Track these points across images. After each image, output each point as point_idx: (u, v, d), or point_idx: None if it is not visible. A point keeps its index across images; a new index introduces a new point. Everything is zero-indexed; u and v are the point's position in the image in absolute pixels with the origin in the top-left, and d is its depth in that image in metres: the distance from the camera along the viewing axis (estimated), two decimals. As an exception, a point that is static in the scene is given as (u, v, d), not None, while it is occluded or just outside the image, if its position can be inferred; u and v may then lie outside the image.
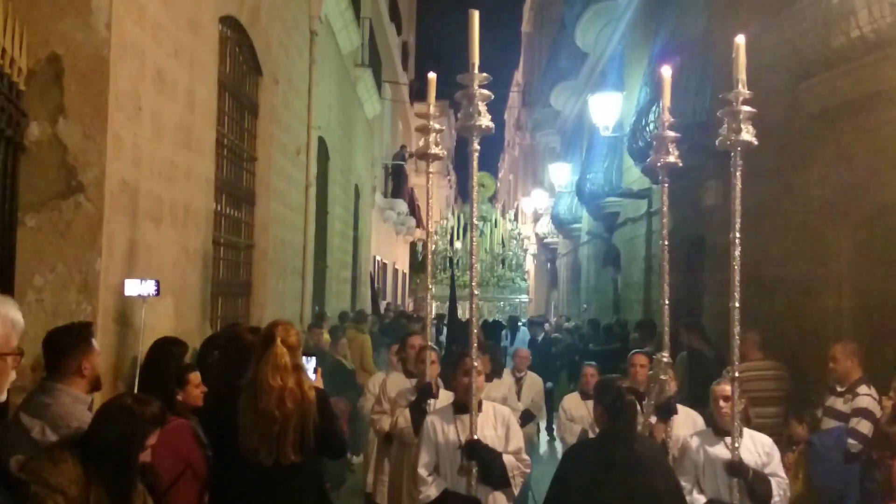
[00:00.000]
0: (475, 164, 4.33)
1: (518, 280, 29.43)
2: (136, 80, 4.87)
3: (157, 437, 3.10)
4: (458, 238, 29.67)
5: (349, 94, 16.06)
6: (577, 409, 7.00)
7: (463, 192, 50.79)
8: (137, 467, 3.01)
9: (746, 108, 4.15)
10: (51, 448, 2.87)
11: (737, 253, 4.19)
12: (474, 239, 4.39)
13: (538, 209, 28.23)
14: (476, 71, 4.05)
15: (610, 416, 4.03)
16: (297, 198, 10.56)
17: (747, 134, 4.15)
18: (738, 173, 4.22)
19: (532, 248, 33.99)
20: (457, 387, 4.74)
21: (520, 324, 17.63)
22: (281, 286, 9.54)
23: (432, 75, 4.70)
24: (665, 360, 4.50)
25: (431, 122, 4.66)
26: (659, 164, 4.60)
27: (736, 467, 4.30)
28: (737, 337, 4.22)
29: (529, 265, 35.00)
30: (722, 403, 4.55)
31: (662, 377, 4.52)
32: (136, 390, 4.29)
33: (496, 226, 30.06)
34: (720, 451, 4.51)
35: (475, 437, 4.28)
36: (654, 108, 10.10)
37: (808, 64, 6.02)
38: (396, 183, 24.27)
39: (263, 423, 3.73)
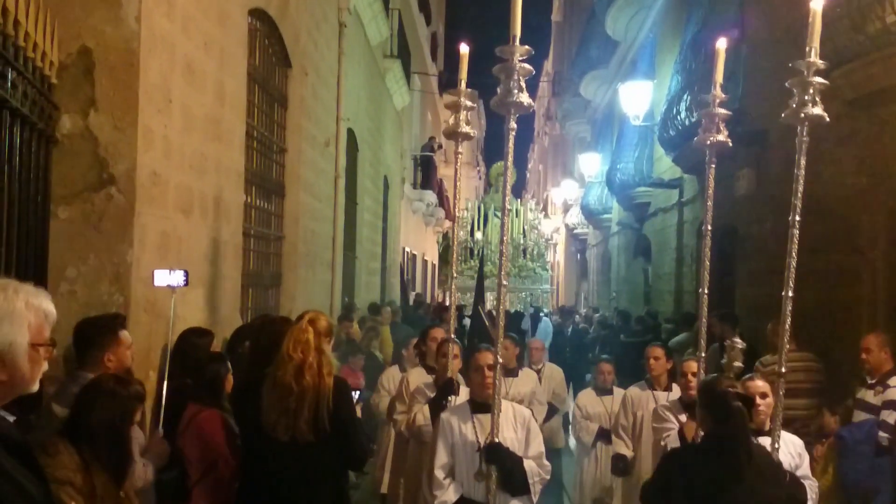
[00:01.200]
0: (511, 144, 3.99)
1: (539, 270, 29.30)
2: (165, 73, 4.91)
3: (140, 413, 3.21)
4: (478, 228, 29.62)
5: (378, 85, 16.07)
6: (593, 407, 6.87)
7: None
8: (130, 444, 3.12)
9: (819, 80, 3.72)
10: (41, 442, 2.88)
11: (795, 235, 3.85)
12: (506, 223, 4.19)
13: (568, 200, 28.12)
14: (517, 44, 3.68)
15: (715, 421, 3.63)
16: (327, 189, 10.60)
17: (819, 107, 3.73)
18: (803, 148, 3.82)
19: (557, 237, 33.90)
20: (471, 383, 4.47)
21: (541, 314, 17.46)
22: (311, 277, 9.59)
23: (465, 49, 4.30)
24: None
25: (463, 99, 4.26)
26: (708, 143, 4.37)
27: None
28: (787, 328, 3.88)
29: (560, 256, 34.92)
30: (758, 400, 4.11)
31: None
32: (166, 380, 4.34)
33: (517, 216, 29.96)
34: None
35: (496, 439, 4.04)
36: (685, 96, 10.00)
37: (842, 50, 5.91)
38: (425, 174, 24.28)
39: (281, 395, 3.71)
